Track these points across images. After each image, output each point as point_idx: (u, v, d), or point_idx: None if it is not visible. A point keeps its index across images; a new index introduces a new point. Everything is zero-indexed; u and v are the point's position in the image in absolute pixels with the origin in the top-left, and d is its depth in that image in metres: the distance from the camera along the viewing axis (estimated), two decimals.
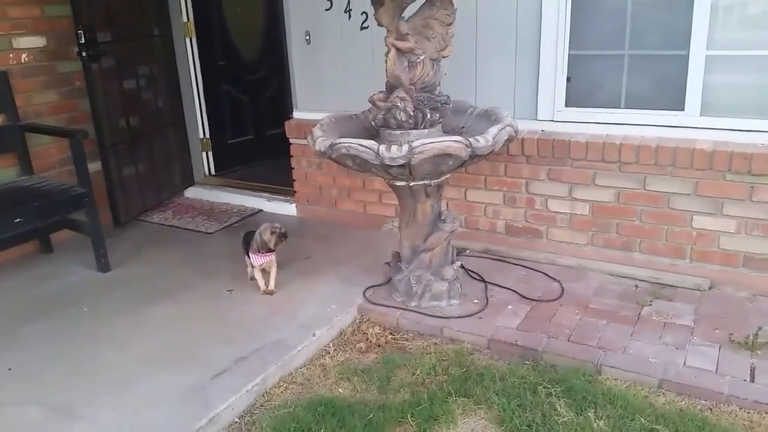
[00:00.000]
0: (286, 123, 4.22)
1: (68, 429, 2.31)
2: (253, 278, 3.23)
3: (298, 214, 4.40)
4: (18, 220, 3.12)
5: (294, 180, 4.35)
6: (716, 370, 2.49)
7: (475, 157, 2.60)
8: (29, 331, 2.98)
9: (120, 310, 3.13)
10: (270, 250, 3.12)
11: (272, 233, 3.08)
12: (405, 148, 2.51)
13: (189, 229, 4.22)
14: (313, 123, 3.90)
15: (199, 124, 4.93)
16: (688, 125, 3.14)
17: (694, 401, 2.37)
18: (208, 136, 4.99)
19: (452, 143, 2.53)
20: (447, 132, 2.96)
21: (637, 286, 3.15)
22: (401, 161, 2.53)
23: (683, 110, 3.15)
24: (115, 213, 4.06)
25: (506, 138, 2.71)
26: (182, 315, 3.08)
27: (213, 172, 5.07)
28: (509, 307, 3.04)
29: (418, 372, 2.61)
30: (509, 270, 3.42)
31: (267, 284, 3.19)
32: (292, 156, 4.29)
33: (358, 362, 2.74)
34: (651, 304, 2.98)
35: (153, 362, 2.69)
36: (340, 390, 2.56)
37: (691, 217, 3.16)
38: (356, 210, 4.14)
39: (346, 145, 2.62)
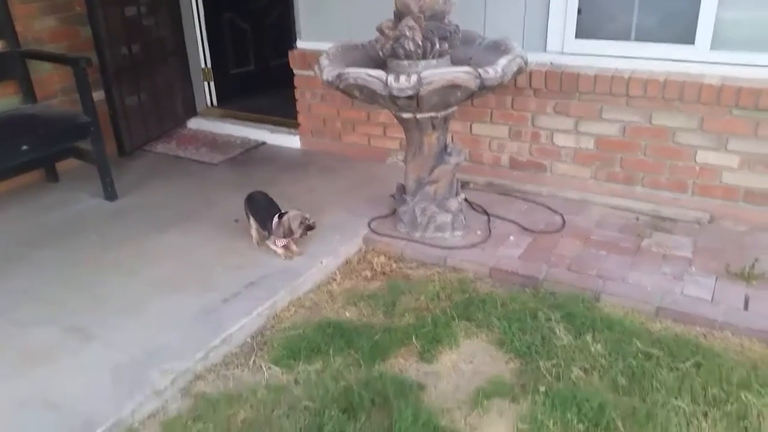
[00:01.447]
0: (290, 53, 4.15)
1: (84, 348, 2.41)
2: (260, 244, 3.05)
3: (302, 146, 4.40)
4: (25, 147, 3.13)
5: (298, 112, 4.33)
6: (712, 299, 2.57)
7: (483, 88, 2.59)
8: (40, 257, 3.04)
9: (128, 238, 3.19)
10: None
11: (301, 224, 2.92)
12: (413, 78, 2.50)
13: (194, 160, 4.23)
14: (317, 53, 3.82)
15: (201, 54, 4.84)
16: (698, 59, 3.10)
17: (689, 328, 2.46)
18: (209, 66, 4.92)
19: (461, 74, 2.51)
20: (455, 63, 2.92)
21: (638, 219, 3.21)
22: (410, 92, 2.52)
23: (693, 44, 3.11)
24: (120, 142, 4.07)
25: (515, 70, 2.69)
26: (190, 243, 3.13)
27: (215, 103, 5.03)
28: (511, 238, 3.10)
29: (422, 298, 2.70)
30: (512, 203, 3.47)
31: (290, 252, 2.98)
32: (295, 87, 4.25)
33: (364, 289, 2.82)
34: (651, 236, 3.04)
35: (163, 287, 2.77)
36: (347, 314, 2.64)
37: (695, 152, 3.18)
38: (360, 143, 4.14)
39: (353, 75, 2.60)
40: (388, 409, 2.07)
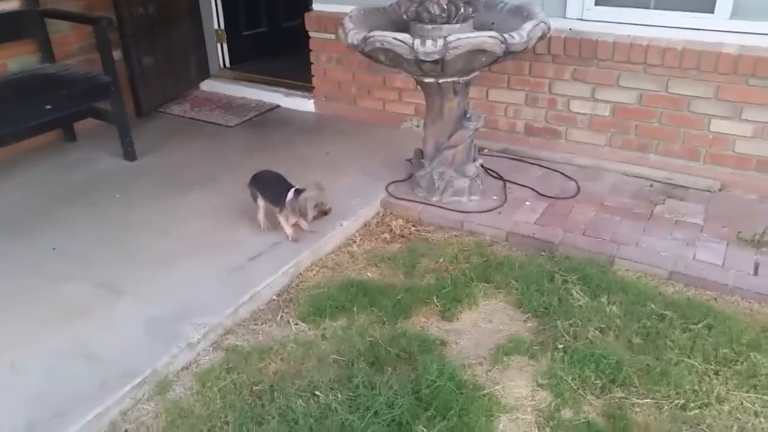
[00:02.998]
0: (306, 15, 4.14)
1: (116, 302, 2.49)
2: (269, 229, 2.92)
3: (316, 110, 4.42)
4: (48, 106, 3.16)
5: (312, 75, 4.33)
6: (723, 264, 2.65)
7: (508, 53, 2.61)
8: (66, 214, 3.10)
9: (151, 197, 3.25)
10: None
11: (315, 207, 2.74)
12: (440, 42, 2.52)
13: (209, 122, 4.26)
14: (334, 16, 3.83)
15: (214, 14, 4.83)
16: (717, 28, 3.12)
17: (700, 292, 2.54)
18: (222, 27, 4.90)
19: (487, 39, 2.53)
20: (477, 28, 2.94)
21: (652, 186, 3.27)
22: (435, 56, 2.54)
23: (713, 12, 3.12)
24: (138, 103, 4.09)
25: (540, 35, 2.71)
26: (212, 203, 3.19)
27: (228, 65, 5.03)
28: (527, 203, 3.17)
29: (441, 260, 2.77)
30: (527, 169, 3.52)
31: (298, 229, 2.86)
32: (311, 50, 4.25)
33: (384, 251, 2.89)
34: (664, 203, 3.10)
35: (189, 245, 2.84)
36: (368, 274, 2.72)
37: (709, 121, 3.22)
38: (375, 107, 4.17)
39: (379, 38, 2.62)
40: (412, 364, 2.17)
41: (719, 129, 3.21)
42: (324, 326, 2.40)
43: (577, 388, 2.05)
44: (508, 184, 3.34)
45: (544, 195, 3.23)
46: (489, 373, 2.16)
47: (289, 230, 2.84)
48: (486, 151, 3.70)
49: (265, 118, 4.38)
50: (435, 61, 2.58)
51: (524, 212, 3.09)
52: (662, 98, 3.28)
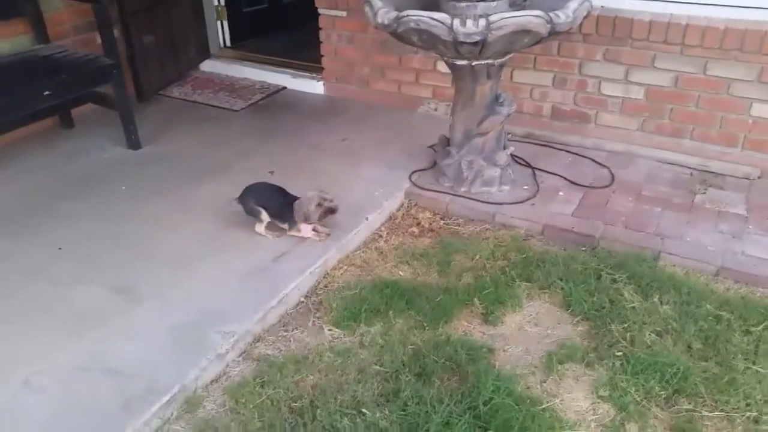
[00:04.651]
0: None
1: (135, 308, 2.29)
2: (275, 236, 2.67)
3: (326, 92, 4.20)
4: (47, 92, 2.91)
5: (322, 56, 4.10)
6: None
7: (552, 34, 2.43)
8: (69, 209, 2.89)
9: (161, 189, 3.04)
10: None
11: (319, 205, 2.54)
12: (482, 22, 2.32)
13: (213, 106, 4.03)
14: None
15: None
16: (762, 5, 2.95)
17: (752, 289, 2.41)
18: (222, 3, 4.63)
19: (533, 18, 2.34)
20: (510, 6, 2.74)
21: (692, 174, 3.12)
22: (477, 38, 2.35)
23: None
24: (139, 86, 3.85)
25: (584, 14, 2.52)
26: (228, 195, 2.94)
27: (228, 44, 4.77)
28: (560, 193, 3.00)
29: (477, 257, 2.61)
30: (555, 156, 3.35)
31: (318, 234, 2.66)
32: (321, 29, 4.01)
33: (414, 246, 2.72)
34: (705, 193, 2.96)
35: (207, 243, 2.65)
36: (400, 273, 2.56)
37: (750, 105, 3.07)
38: (390, 90, 3.96)
39: (415, 18, 2.42)
40: (461, 374, 2.02)
41: (761, 113, 3.05)
42: (360, 332, 2.23)
43: (641, 400, 1.92)
44: (537, 172, 3.17)
45: (577, 184, 3.07)
46: (544, 384, 2.01)
47: (309, 234, 2.63)
48: (509, 136, 3.51)
49: (272, 101, 4.16)
50: (475, 43, 2.38)
51: (559, 203, 2.93)
52: (700, 81, 3.11)
